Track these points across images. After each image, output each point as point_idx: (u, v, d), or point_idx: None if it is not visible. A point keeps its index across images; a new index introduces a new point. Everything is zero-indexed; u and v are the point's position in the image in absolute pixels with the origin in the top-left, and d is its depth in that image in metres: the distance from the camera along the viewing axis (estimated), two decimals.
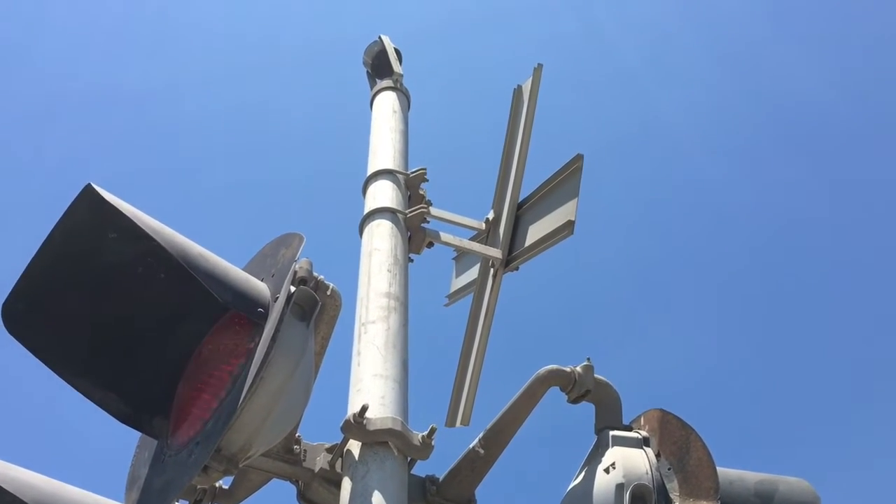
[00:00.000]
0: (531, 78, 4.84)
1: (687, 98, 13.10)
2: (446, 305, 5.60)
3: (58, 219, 2.67)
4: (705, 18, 13.24)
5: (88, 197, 2.61)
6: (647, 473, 3.22)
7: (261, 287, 2.83)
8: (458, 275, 5.60)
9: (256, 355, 2.56)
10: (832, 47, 12.81)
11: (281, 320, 2.62)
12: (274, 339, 2.56)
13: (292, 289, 2.77)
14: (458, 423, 4.54)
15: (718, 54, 13.19)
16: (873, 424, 11.96)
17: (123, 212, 2.62)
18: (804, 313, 12.50)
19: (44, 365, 2.77)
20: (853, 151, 12.70)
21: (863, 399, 12.29)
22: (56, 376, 2.79)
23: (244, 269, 2.98)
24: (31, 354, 2.77)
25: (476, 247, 4.77)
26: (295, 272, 2.88)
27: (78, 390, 2.77)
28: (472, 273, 5.22)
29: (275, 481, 3.62)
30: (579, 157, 4.38)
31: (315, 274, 3.10)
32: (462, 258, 5.62)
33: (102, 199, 2.60)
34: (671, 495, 3.19)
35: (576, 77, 12.73)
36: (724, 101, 13.23)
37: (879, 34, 12.50)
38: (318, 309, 2.85)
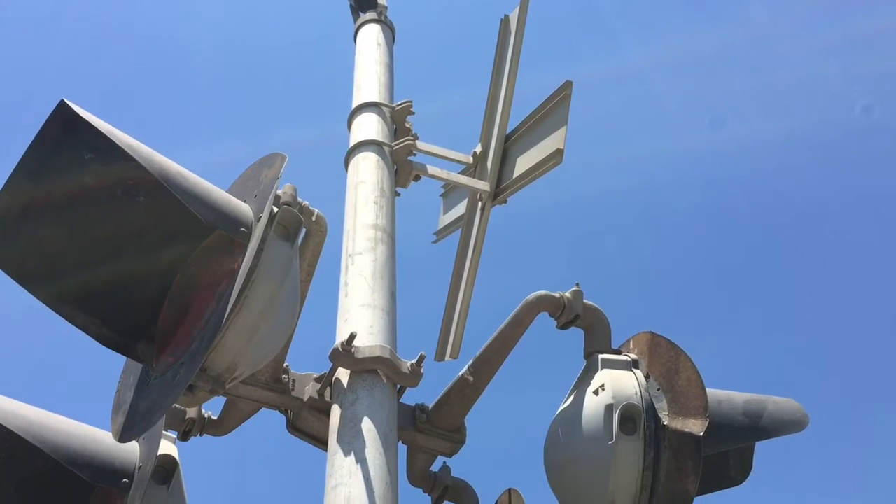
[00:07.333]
0: (518, 7, 4.74)
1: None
2: (434, 242, 5.55)
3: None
4: None
5: (62, 114, 2.53)
6: (636, 394, 3.22)
7: (243, 207, 2.77)
8: (445, 211, 5.54)
9: (240, 274, 2.52)
10: None
11: (264, 239, 2.57)
12: (257, 256, 2.52)
13: (275, 208, 2.72)
14: (447, 357, 4.53)
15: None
16: None
17: (100, 129, 2.55)
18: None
19: (25, 290, 2.72)
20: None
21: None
22: (38, 302, 2.74)
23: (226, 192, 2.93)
24: (10, 280, 2.72)
25: (464, 179, 4.72)
26: (278, 195, 2.83)
27: (60, 314, 2.72)
28: (460, 209, 5.16)
29: (264, 411, 3.61)
30: (568, 84, 4.30)
31: (300, 199, 3.05)
32: (450, 195, 5.56)
33: (77, 116, 2.52)
34: (660, 415, 3.20)
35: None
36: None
37: None
38: (303, 230, 2.81)
